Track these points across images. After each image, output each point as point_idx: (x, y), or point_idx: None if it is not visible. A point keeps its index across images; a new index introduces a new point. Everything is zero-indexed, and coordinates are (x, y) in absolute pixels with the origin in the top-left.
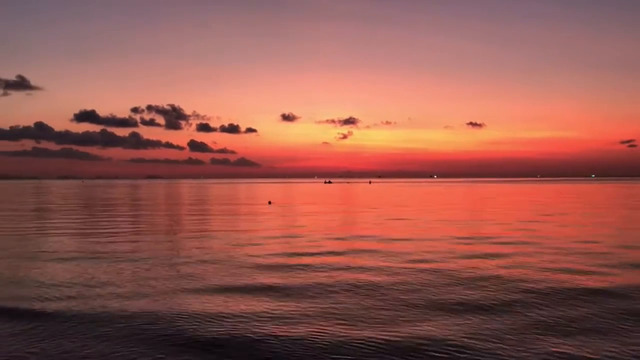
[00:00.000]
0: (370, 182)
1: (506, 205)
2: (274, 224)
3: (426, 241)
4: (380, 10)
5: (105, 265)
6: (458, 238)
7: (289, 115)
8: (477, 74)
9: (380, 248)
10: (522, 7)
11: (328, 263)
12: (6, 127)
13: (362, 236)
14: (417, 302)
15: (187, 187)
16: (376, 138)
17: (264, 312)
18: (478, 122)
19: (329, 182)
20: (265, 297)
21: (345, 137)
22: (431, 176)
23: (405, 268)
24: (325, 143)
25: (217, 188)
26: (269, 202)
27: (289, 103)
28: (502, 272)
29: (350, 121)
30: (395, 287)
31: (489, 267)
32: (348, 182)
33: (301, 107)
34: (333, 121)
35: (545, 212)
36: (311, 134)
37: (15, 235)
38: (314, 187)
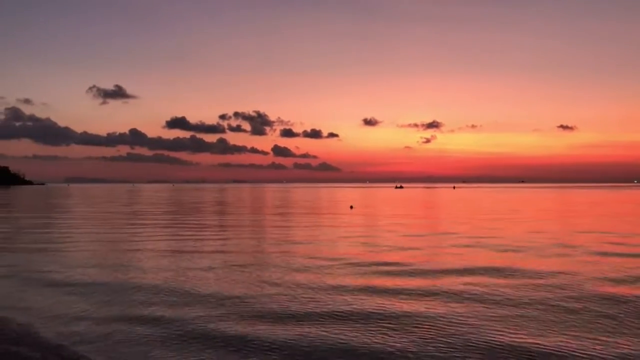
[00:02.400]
0: (454, 188)
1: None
2: (355, 234)
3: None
4: (464, 12)
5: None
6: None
7: (370, 120)
8: (568, 75)
9: (477, 281)
10: (614, 4)
11: (409, 311)
12: (104, 133)
13: (453, 269)
14: None
15: (271, 192)
16: (461, 142)
17: None
18: (569, 125)
19: (400, 187)
20: None
21: (428, 141)
22: (520, 181)
23: (511, 323)
24: (408, 147)
25: (300, 192)
26: (351, 207)
27: (370, 107)
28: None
29: (433, 125)
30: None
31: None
32: (428, 188)
33: (383, 111)
34: (415, 125)
35: None
36: (393, 138)
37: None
38: (389, 192)
